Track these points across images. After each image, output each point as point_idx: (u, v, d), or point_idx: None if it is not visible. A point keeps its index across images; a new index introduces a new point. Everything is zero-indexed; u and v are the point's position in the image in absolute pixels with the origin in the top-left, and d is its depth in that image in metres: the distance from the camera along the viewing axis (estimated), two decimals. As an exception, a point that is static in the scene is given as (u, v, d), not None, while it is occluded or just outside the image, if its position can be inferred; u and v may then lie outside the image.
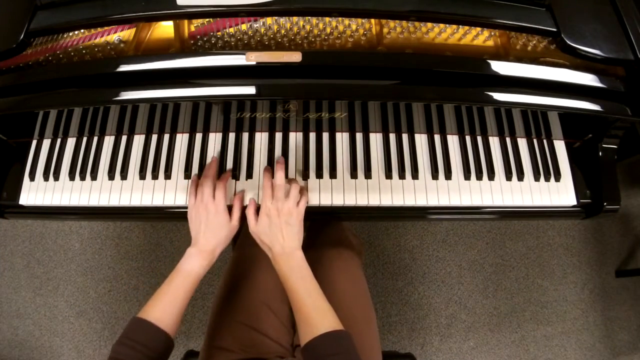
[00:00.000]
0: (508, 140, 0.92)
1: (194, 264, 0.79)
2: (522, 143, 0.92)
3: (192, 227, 0.82)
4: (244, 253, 0.99)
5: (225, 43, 0.81)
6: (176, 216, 0.90)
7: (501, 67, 0.74)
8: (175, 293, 0.76)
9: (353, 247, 1.04)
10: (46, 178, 0.90)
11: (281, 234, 0.78)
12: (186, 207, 0.86)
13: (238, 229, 0.84)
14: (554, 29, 0.76)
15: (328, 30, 0.82)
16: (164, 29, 0.84)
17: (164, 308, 0.74)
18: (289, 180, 0.85)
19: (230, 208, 0.84)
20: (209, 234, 0.80)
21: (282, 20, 0.82)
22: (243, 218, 0.85)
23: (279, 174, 0.81)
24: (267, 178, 0.82)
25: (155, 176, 0.89)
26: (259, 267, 0.96)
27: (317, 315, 0.72)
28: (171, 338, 0.74)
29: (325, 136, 0.91)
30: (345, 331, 0.70)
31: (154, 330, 0.71)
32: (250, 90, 0.74)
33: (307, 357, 0.70)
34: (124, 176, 0.89)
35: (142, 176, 0.89)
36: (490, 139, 0.92)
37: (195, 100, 0.80)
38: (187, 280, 0.78)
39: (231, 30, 0.82)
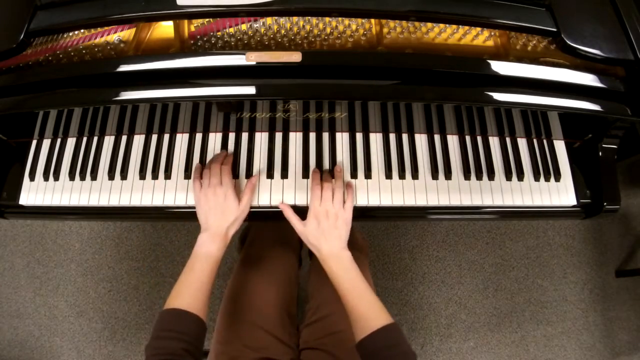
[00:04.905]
0: (508, 140, 0.92)
1: (210, 247, 0.78)
2: (522, 143, 0.92)
3: (201, 213, 0.81)
4: (251, 254, 1.00)
5: (225, 43, 0.81)
6: (176, 216, 0.89)
7: (501, 67, 0.74)
8: (200, 278, 0.76)
9: (359, 245, 1.04)
10: (46, 178, 0.90)
11: (330, 236, 0.78)
12: (186, 208, 0.86)
13: (247, 213, 0.84)
14: (554, 29, 0.76)
15: (328, 30, 0.82)
16: (164, 29, 0.84)
17: (192, 294, 0.74)
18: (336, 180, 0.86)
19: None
20: (220, 218, 0.80)
21: (282, 20, 0.82)
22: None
23: (326, 178, 0.83)
24: (315, 181, 0.83)
25: (155, 176, 0.89)
26: (267, 268, 0.96)
27: (370, 313, 0.73)
28: (203, 321, 0.73)
29: (326, 136, 0.91)
30: (395, 323, 0.72)
31: (186, 316, 0.71)
32: (251, 90, 0.74)
33: (362, 353, 0.71)
34: (124, 176, 0.89)
35: (142, 176, 0.89)
36: (490, 139, 0.92)
37: (195, 100, 0.80)
38: (208, 263, 0.77)
39: (231, 30, 0.82)
